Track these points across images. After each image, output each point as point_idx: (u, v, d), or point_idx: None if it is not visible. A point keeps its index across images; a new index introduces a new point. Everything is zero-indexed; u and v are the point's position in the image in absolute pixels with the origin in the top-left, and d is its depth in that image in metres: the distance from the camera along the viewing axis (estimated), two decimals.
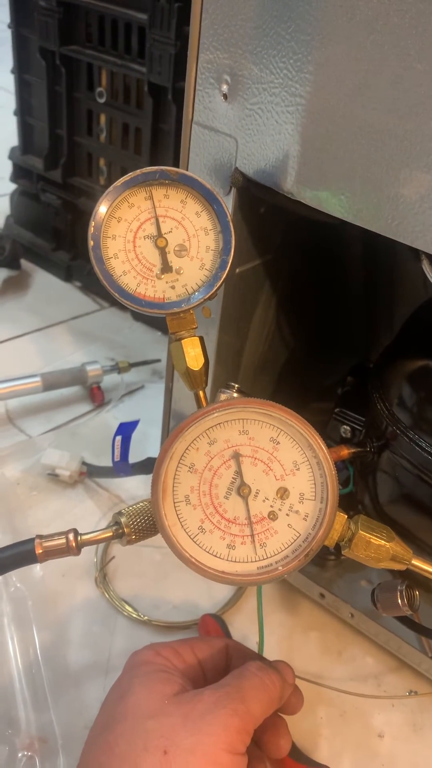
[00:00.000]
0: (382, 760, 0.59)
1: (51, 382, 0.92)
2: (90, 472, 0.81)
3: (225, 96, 0.49)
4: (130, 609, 0.68)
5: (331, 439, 0.66)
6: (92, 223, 0.44)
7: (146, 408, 0.95)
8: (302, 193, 0.47)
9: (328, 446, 0.65)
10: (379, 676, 0.65)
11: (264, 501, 0.41)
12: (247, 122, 0.49)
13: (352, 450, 0.61)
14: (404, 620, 0.57)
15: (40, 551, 0.45)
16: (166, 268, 0.45)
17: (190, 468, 0.41)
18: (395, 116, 0.41)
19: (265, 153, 0.48)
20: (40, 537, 0.45)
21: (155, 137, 0.97)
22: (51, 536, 0.46)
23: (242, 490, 0.41)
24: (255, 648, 0.52)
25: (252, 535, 0.41)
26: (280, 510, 0.41)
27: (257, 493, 0.41)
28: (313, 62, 0.43)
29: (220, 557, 0.41)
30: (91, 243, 0.44)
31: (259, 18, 0.45)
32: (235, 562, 0.41)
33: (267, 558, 0.41)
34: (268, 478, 0.41)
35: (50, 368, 0.96)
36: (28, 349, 1.06)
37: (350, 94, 0.42)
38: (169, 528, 0.40)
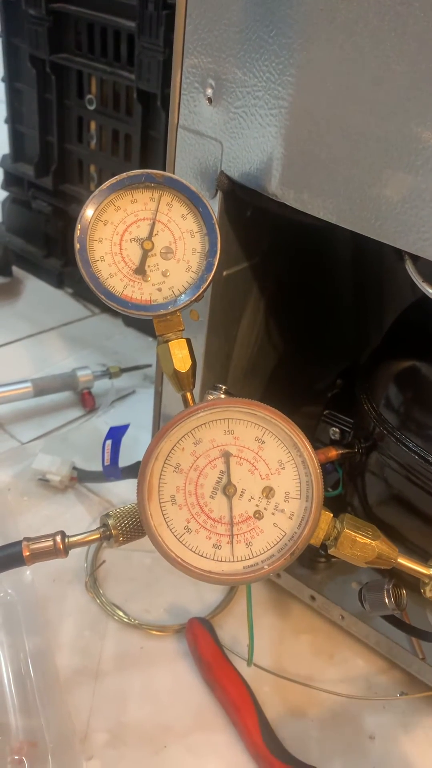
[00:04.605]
0: (374, 762, 0.59)
1: (42, 388, 0.92)
2: (80, 477, 0.81)
3: (210, 100, 0.50)
4: (120, 613, 0.68)
5: (321, 442, 0.66)
6: (78, 226, 0.44)
7: (137, 413, 0.95)
8: (286, 195, 0.47)
9: (317, 448, 0.65)
10: (369, 678, 0.65)
11: (250, 500, 0.41)
12: (231, 125, 0.49)
13: (341, 451, 0.61)
14: (393, 620, 0.57)
15: (28, 554, 0.45)
16: (140, 269, 0.45)
17: (175, 468, 0.41)
18: (376, 117, 0.41)
19: (250, 156, 0.49)
20: (28, 539, 0.45)
21: (145, 144, 0.98)
22: (38, 539, 0.46)
23: (228, 489, 0.41)
24: (245, 651, 0.52)
25: (237, 534, 0.41)
26: (265, 509, 0.41)
27: (243, 492, 0.41)
28: (295, 65, 0.43)
29: (206, 557, 0.41)
30: (77, 246, 0.44)
31: (242, 22, 0.45)
32: (221, 561, 0.41)
33: (253, 557, 0.41)
34: (253, 477, 0.41)
35: (42, 374, 0.96)
36: (20, 355, 1.06)
37: (331, 96, 0.42)
38: (155, 528, 0.40)
